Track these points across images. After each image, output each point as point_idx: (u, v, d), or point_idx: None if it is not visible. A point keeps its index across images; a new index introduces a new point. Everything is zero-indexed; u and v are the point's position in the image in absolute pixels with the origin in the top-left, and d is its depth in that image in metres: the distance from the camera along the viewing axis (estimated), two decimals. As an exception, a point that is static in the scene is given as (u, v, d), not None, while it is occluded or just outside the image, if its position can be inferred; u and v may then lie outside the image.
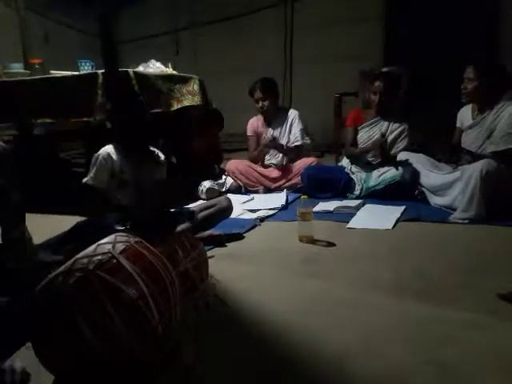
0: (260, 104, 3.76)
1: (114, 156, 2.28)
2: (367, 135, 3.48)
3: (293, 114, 3.82)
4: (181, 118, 3.72)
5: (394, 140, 3.40)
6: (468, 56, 2.93)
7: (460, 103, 2.99)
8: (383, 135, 3.35)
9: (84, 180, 2.29)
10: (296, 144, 3.75)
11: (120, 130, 2.33)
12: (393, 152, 3.36)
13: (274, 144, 3.70)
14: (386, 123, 3.42)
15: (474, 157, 2.77)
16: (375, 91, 3.36)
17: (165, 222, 2.28)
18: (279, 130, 3.81)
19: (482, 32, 4.47)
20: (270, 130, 3.81)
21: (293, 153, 3.75)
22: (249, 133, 3.92)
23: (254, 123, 3.93)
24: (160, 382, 1.15)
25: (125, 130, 2.29)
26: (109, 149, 2.31)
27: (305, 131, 3.79)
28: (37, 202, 2.91)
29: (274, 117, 3.83)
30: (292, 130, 3.79)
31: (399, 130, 3.40)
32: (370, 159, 3.45)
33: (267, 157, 3.87)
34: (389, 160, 3.32)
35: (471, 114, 2.93)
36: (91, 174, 2.29)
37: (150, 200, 2.29)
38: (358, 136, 3.51)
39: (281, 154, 3.80)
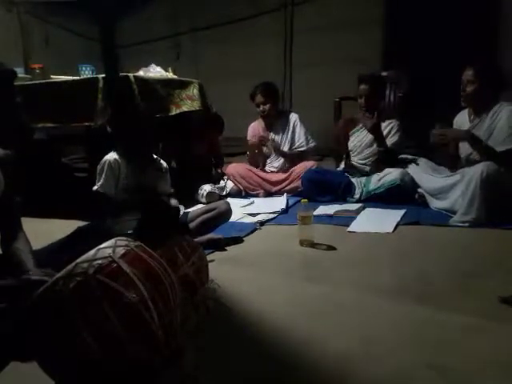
0: (261, 108, 3.76)
1: (120, 161, 2.28)
2: (358, 140, 3.51)
3: (293, 117, 3.83)
4: (181, 122, 3.72)
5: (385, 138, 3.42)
6: (468, 58, 2.91)
7: (460, 106, 2.98)
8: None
9: (94, 188, 2.25)
10: (300, 149, 3.76)
11: (121, 136, 2.33)
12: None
13: (275, 146, 3.70)
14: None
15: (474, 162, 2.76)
16: (361, 94, 3.41)
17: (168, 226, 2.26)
18: (280, 134, 3.81)
19: (482, 34, 4.47)
20: (272, 135, 3.81)
21: (296, 157, 3.76)
22: (249, 137, 3.91)
23: (256, 128, 3.92)
24: (160, 387, 1.15)
25: (126, 136, 2.29)
26: (114, 154, 2.30)
27: (308, 133, 3.80)
28: (38, 206, 2.92)
29: (275, 121, 3.83)
30: (295, 135, 3.79)
31: (389, 127, 3.41)
32: (362, 163, 3.47)
33: (268, 160, 3.87)
34: (386, 159, 3.33)
35: (468, 118, 2.91)
36: (101, 182, 2.24)
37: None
38: (349, 142, 3.53)
39: (281, 160, 3.80)
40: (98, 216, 2.32)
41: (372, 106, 3.39)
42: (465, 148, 2.87)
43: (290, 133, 3.80)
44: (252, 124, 3.96)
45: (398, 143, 3.37)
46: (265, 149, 3.73)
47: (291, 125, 3.80)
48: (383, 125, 3.42)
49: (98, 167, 2.28)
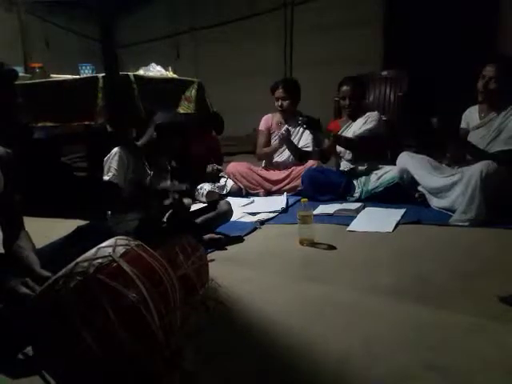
0: (279, 103, 3.76)
1: (128, 155, 2.27)
2: None
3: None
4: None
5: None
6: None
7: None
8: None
9: (106, 178, 2.21)
10: (306, 149, 3.77)
11: (121, 135, 2.33)
12: (357, 134, 3.36)
13: (287, 137, 3.70)
14: (356, 122, 3.46)
15: (480, 152, 2.73)
16: (343, 96, 3.44)
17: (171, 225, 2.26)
18: (291, 131, 3.82)
19: (481, 33, 4.48)
20: (286, 126, 3.81)
21: (300, 154, 3.76)
22: (261, 127, 3.93)
23: (268, 120, 3.94)
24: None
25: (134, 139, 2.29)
26: (122, 148, 2.28)
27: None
28: (38, 205, 2.92)
29: (292, 118, 3.83)
30: (303, 136, 3.80)
31: (364, 119, 3.41)
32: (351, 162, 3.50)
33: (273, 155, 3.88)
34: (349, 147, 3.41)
35: (478, 114, 2.90)
36: (113, 172, 2.18)
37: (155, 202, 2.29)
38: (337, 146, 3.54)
39: (287, 154, 3.81)
40: (98, 214, 2.32)
41: (355, 107, 3.43)
42: (475, 142, 2.85)
43: (300, 132, 3.81)
44: (266, 116, 3.98)
45: (372, 130, 3.34)
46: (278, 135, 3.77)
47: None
48: (359, 120, 3.43)
49: (106, 159, 2.24)
